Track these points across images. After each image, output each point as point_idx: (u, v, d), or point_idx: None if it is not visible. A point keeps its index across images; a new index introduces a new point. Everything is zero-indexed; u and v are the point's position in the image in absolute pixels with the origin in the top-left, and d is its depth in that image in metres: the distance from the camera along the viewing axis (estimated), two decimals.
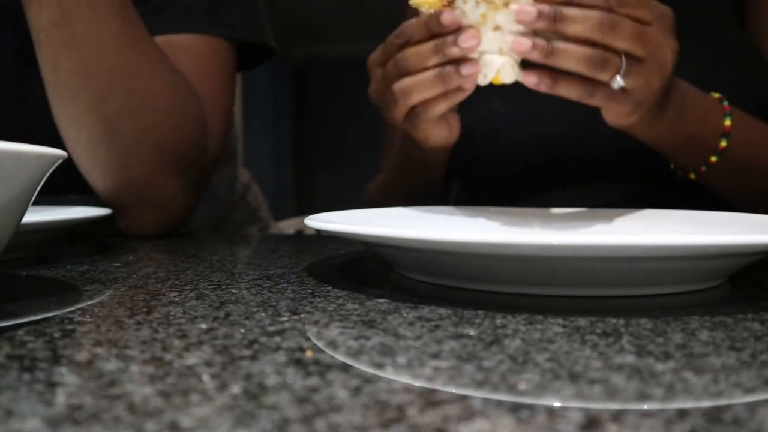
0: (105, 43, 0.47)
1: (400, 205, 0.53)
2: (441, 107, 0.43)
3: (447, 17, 0.39)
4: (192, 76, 0.54)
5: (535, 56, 0.39)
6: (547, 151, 0.60)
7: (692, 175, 0.52)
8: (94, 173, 0.51)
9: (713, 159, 0.49)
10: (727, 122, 0.49)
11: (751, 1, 0.59)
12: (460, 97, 0.42)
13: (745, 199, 0.54)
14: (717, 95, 0.50)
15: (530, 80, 0.40)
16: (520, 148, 0.61)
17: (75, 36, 0.46)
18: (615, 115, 0.44)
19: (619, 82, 0.39)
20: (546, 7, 0.38)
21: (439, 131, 0.46)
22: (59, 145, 0.50)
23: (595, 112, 0.64)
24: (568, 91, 0.40)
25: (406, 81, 0.42)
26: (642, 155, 0.58)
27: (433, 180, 0.60)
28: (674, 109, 0.46)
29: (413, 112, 0.44)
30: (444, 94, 0.42)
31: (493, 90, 0.64)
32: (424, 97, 0.42)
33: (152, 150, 0.51)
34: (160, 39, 0.54)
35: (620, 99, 0.41)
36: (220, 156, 0.59)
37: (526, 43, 0.38)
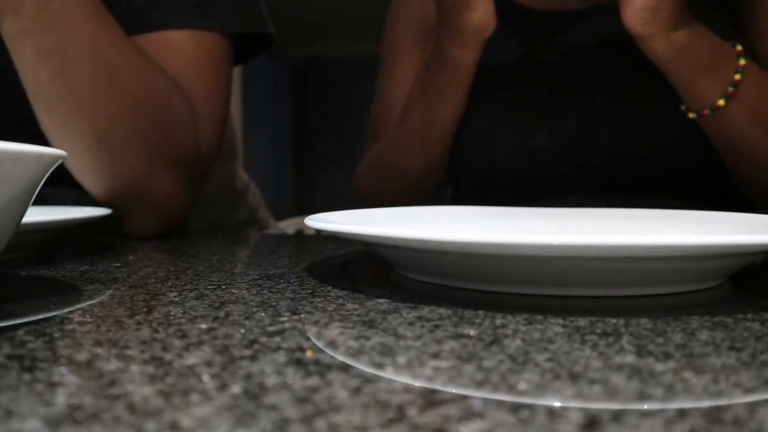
0: (81, 49, 0.46)
1: (395, 164, 0.55)
2: None
3: None
4: (185, 72, 0.53)
5: None
6: (542, 163, 0.61)
7: (692, 115, 0.53)
8: (88, 179, 0.51)
9: (720, 102, 0.51)
10: (742, 61, 0.51)
11: (749, 5, 0.59)
12: None
13: (732, 167, 0.55)
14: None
15: None
16: (514, 160, 0.61)
17: (49, 45, 0.45)
18: (635, 17, 0.48)
19: None
20: None
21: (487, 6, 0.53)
22: (34, 121, 0.49)
23: (590, 125, 0.65)
24: None
25: None
26: (635, 167, 0.58)
27: (449, 109, 0.61)
28: (690, 32, 0.49)
29: None
30: None
31: (488, 103, 0.65)
32: None
33: (142, 152, 0.50)
34: (151, 36, 0.53)
35: None
36: (217, 152, 0.58)
37: None
